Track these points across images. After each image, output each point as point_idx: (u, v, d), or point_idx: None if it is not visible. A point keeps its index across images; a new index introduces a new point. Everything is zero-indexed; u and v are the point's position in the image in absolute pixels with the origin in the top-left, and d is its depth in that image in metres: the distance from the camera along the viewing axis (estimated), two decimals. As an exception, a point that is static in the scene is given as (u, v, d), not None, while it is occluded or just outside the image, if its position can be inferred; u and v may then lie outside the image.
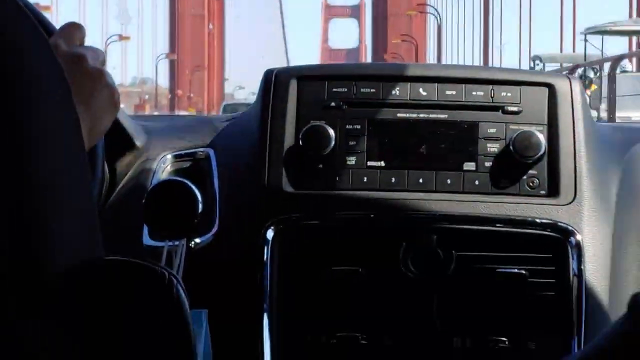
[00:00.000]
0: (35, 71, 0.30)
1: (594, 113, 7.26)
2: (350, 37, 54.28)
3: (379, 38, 44.17)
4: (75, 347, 0.30)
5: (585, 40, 12.86)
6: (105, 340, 0.30)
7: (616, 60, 7.23)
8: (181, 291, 0.32)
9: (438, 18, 27.55)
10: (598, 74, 8.98)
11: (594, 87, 9.25)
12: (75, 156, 0.33)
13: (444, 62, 28.61)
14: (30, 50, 0.30)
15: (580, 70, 9.12)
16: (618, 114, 7.21)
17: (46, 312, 0.29)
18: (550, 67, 12.50)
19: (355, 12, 53.13)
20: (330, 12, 54.55)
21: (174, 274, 0.32)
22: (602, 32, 12.14)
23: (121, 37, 28.45)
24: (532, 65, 14.32)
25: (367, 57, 47.54)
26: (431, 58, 33.61)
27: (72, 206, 0.32)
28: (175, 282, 0.32)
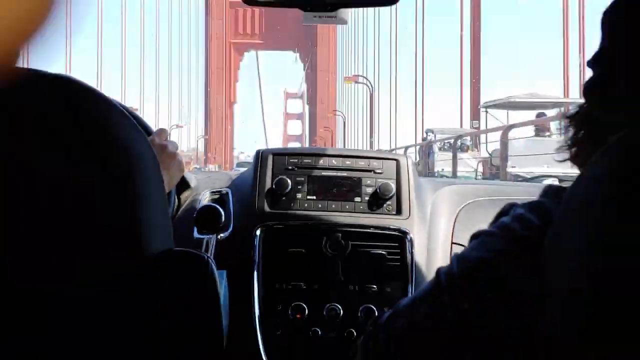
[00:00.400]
0: (145, 160, 0.46)
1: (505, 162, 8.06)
2: (297, 128, 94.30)
3: (312, 129, 71.85)
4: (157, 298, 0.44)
5: (487, 112, 13.71)
6: (173, 294, 0.45)
7: (507, 129, 8.16)
8: (214, 267, 0.47)
9: (343, 118, 42.93)
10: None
11: (470, 150, 12.08)
12: (162, 197, 0.49)
13: (347, 142, 43.19)
14: (143, 149, 0.46)
15: (459, 140, 11.57)
16: (515, 170, 8.10)
17: (143, 278, 0.44)
18: (440, 136, 14.05)
19: (300, 116, 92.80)
20: (287, 117, 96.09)
21: (210, 258, 0.48)
22: (498, 105, 12.97)
23: (178, 126, 45.30)
24: (425, 135, 16.16)
25: (306, 140, 79.57)
26: (340, 140, 49.09)
27: (160, 220, 0.48)
28: (210, 263, 0.47)
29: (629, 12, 0.61)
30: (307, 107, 79.19)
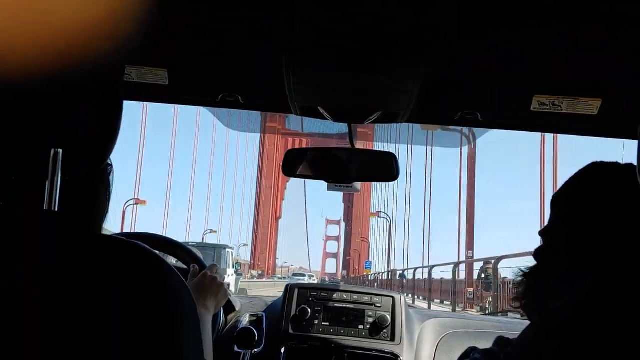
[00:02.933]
0: (187, 309, 0.51)
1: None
2: (334, 247, 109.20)
3: (346, 248, 78.51)
4: None
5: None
6: None
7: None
8: None
9: (369, 244, 48.72)
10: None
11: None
12: (199, 340, 0.54)
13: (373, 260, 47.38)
14: (189, 303, 0.52)
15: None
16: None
17: None
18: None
19: (337, 238, 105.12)
20: (327, 239, 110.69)
21: None
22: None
23: (244, 245, 52.01)
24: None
25: (340, 256, 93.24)
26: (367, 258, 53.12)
27: (198, 356, 0.52)
28: None
29: (569, 199, 0.75)
30: (342, 231, 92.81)
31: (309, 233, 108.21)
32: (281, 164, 1.26)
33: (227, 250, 16.27)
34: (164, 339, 0.47)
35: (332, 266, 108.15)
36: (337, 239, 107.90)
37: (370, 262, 44.47)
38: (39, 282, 0.45)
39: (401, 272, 22.99)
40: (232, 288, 14.76)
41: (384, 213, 40.14)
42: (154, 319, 0.47)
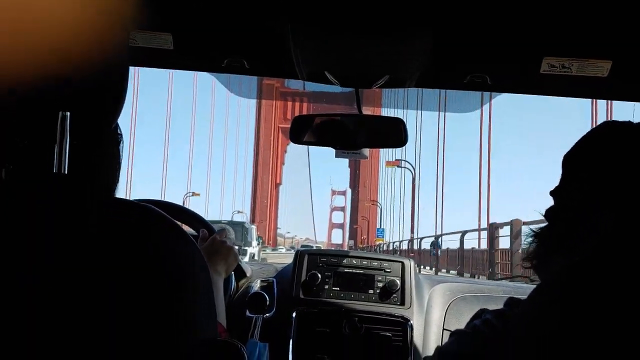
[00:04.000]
0: (195, 272, 0.54)
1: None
2: (340, 218, 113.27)
3: (352, 217, 79.65)
4: None
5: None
6: None
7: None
8: (244, 351, 0.58)
9: (380, 208, 46.40)
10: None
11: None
12: (209, 298, 0.57)
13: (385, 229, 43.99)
14: (199, 265, 0.55)
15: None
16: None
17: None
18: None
19: (343, 209, 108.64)
20: (333, 209, 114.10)
21: (240, 344, 0.59)
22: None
23: (239, 212, 51.22)
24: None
25: (347, 226, 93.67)
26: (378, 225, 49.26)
27: (205, 316, 0.56)
28: (241, 350, 0.58)
29: (583, 159, 0.79)
30: (348, 201, 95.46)
31: (314, 203, 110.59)
32: (289, 128, 1.33)
33: (252, 226, 22.17)
34: (174, 296, 0.50)
35: (338, 237, 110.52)
36: (342, 209, 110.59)
37: (383, 229, 40.36)
38: (49, 243, 0.47)
39: (434, 240, 20.48)
40: (256, 257, 20.01)
41: (406, 161, 33.41)
42: (163, 275, 0.49)
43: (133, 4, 0.48)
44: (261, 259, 20.00)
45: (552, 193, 0.83)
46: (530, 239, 0.83)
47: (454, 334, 0.82)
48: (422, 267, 19.33)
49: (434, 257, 18.91)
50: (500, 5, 0.90)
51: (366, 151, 1.43)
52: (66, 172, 0.52)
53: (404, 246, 25.94)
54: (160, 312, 0.49)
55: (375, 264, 1.59)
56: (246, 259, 19.85)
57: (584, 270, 0.62)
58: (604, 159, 0.76)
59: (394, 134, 1.29)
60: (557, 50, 1.03)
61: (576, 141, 0.81)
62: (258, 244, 22.01)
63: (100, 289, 0.47)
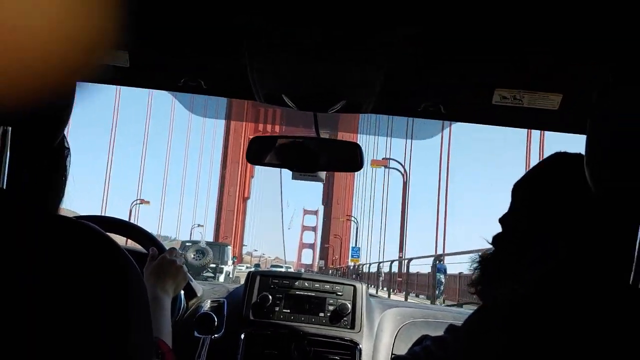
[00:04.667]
0: (137, 293, 0.54)
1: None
2: (311, 238, 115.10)
3: (324, 235, 78.58)
4: None
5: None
6: None
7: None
8: None
9: (357, 223, 42.48)
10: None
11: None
12: (149, 315, 0.57)
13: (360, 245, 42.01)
14: (139, 285, 0.55)
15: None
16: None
17: None
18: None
19: (314, 228, 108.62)
20: (304, 229, 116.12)
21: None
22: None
23: (199, 225, 49.47)
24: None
25: (317, 246, 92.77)
26: (352, 244, 46.64)
27: (142, 339, 0.55)
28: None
29: (529, 189, 0.84)
30: (320, 220, 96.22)
31: (284, 222, 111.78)
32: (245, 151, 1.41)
33: (228, 247, 25.74)
34: (108, 321, 0.50)
35: (308, 257, 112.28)
36: (314, 229, 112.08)
37: (359, 247, 37.40)
38: None
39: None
40: (230, 275, 22.50)
41: (396, 161, 29.83)
42: (98, 295, 0.50)
43: (91, 24, 0.48)
44: (235, 277, 23.07)
45: (500, 220, 0.88)
46: (475, 265, 0.88)
47: (395, 359, 0.90)
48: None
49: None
50: (453, 37, 0.96)
51: (322, 174, 1.50)
52: (4, 186, 0.52)
53: (388, 268, 20.98)
54: (88, 336, 0.48)
55: (327, 287, 1.64)
56: (222, 277, 21.26)
57: (525, 303, 0.66)
58: (554, 188, 0.80)
59: (350, 158, 1.36)
60: (508, 82, 1.09)
61: (527, 171, 0.86)
62: (232, 263, 24.60)
63: (24, 306, 0.47)
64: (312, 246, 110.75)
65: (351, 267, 33.38)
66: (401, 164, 28.11)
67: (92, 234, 0.53)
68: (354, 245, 37.90)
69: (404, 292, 16.70)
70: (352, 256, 34.30)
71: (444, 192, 26.87)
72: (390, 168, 30.83)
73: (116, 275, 0.52)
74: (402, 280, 17.60)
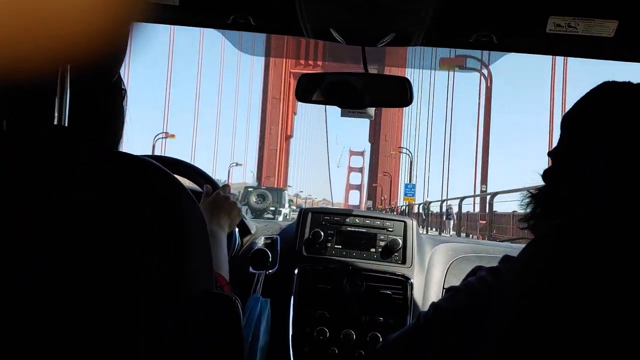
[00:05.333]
0: (193, 224, 0.58)
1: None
2: (358, 179, 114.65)
3: (372, 174, 75.22)
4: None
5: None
6: (205, 328, 0.58)
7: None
8: (239, 306, 0.61)
9: (410, 156, 38.51)
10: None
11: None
12: (205, 251, 0.62)
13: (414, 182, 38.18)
14: (196, 214, 0.60)
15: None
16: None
17: (181, 314, 0.56)
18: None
19: (361, 169, 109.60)
20: (350, 170, 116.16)
21: (236, 297, 0.62)
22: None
23: (237, 164, 49.70)
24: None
25: (365, 186, 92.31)
26: (403, 182, 42.84)
27: (201, 268, 0.60)
28: (236, 303, 0.62)
29: (582, 119, 0.83)
30: (367, 161, 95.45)
31: (331, 160, 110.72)
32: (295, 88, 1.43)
33: (285, 191, 28.51)
34: (169, 246, 0.56)
35: (355, 198, 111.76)
36: (360, 170, 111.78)
37: (414, 184, 33.03)
38: (47, 193, 0.52)
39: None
40: (288, 217, 23.80)
41: (474, 58, 22.54)
42: (159, 227, 0.56)
43: None
44: (291, 218, 24.28)
45: (549, 154, 0.89)
46: (527, 200, 0.90)
47: (449, 290, 0.91)
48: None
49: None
50: None
51: (372, 110, 1.49)
52: (66, 125, 0.56)
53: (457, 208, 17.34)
54: (152, 261, 0.53)
55: (378, 222, 1.69)
56: (280, 217, 23.17)
57: (575, 227, 0.69)
58: (603, 118, 0.81)
59: (399, 93, 1.37)
60: (563, 9, 1.08)
61: (575, 102, 0.87)
62: (289, 206, 27.36)
63: (96, 238, 0.52)
64: (359, 187, 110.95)
65: (404, 208, 30.02)
66: (480, 61, 21.57)
67: (152, 168, 0.58)
68: (407, 182, 34.31)
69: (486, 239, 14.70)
70: (405, 194, 30.97)
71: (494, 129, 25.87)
72: (468, 70, 24.91)
73: (174, 205, 0.57)
74: (486, 223, 14.15)
